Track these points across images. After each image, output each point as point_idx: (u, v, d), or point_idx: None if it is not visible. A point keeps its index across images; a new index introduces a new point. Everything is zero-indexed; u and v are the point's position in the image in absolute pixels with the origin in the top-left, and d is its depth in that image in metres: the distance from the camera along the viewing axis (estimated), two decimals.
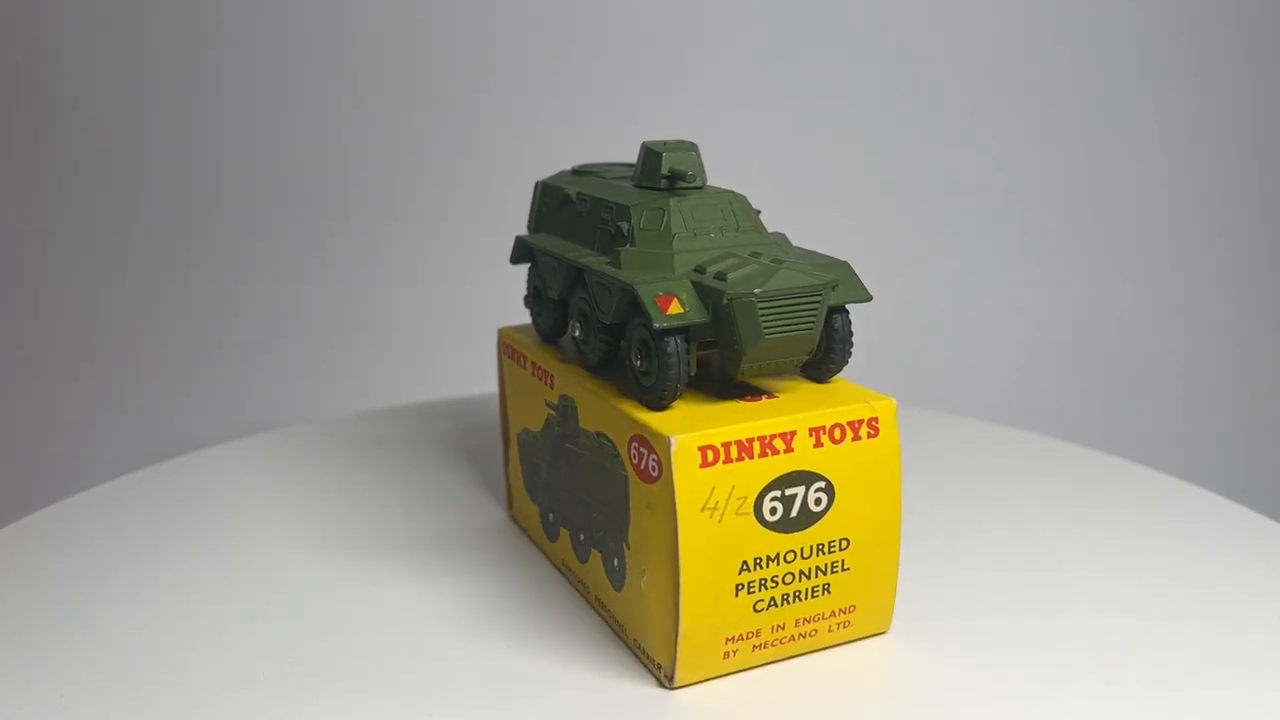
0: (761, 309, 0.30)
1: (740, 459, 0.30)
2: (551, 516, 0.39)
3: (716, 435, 0.30)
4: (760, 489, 0.31)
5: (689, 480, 0.30)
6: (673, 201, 0.34)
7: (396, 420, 0.56)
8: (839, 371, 0.34)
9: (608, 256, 0.34)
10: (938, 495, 0.46)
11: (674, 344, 0.31)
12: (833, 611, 0.33)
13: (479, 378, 0.65)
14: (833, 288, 0.31)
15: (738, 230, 0.34)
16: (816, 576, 0.32)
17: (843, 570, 0.33)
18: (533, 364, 0.39)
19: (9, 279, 0.83)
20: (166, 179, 0.80)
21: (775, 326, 0.30)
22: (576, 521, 0.36)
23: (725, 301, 0.30)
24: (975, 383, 0.83)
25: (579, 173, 0.40)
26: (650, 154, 0.35)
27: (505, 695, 0.31)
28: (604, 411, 0.33)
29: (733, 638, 0.32)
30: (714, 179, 0.39)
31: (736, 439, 0.30)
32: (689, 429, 0.30)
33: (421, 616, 0.36)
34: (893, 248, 0.82)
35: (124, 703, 0.31)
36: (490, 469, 0.49)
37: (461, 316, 0.79)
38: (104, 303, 0.82)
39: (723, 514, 0.30)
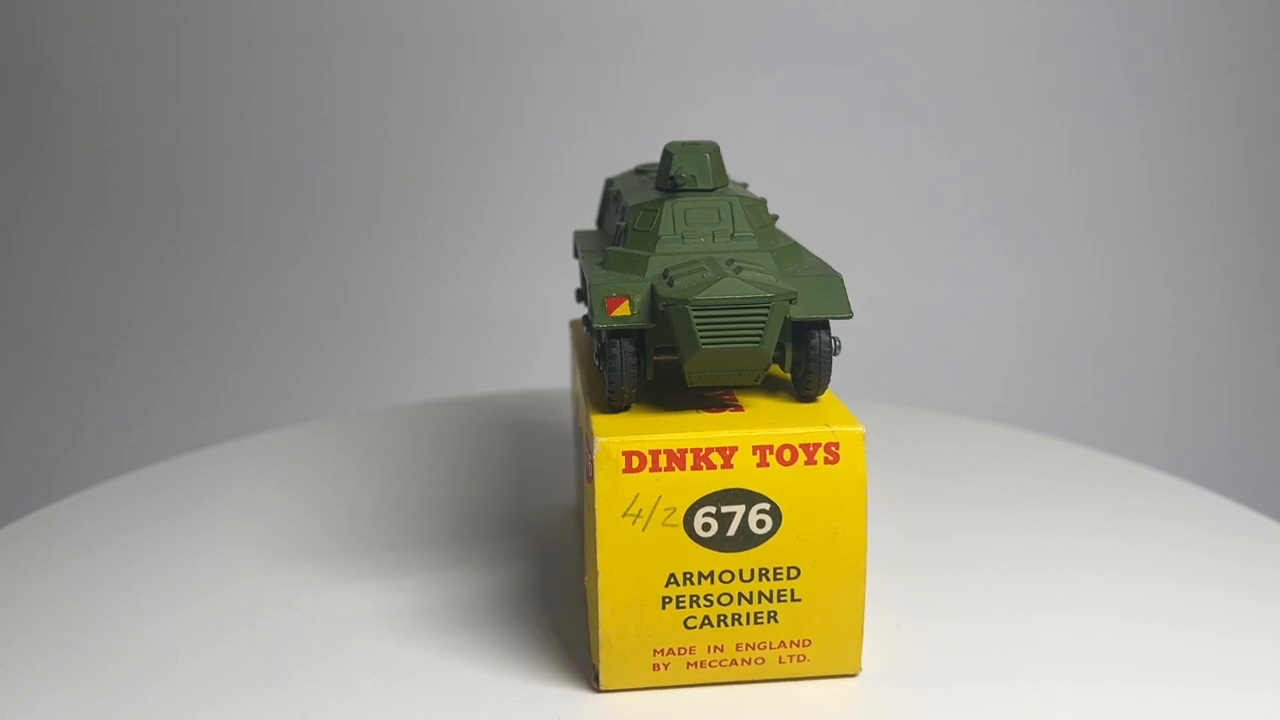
0: (697, 318, 0.29)
1: (670, 469, 0.30)
2: None
3: (645, 442, 0.30)
4: (692, 502, 0.30)
5: (610, 484, 0.30)
6: (666, 204, 0.33)
7: (396, 420, 0.57)
8: (820, 391, 0.32)
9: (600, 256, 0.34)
10: (936, 495, 0.46)
11: (618, 346, 0.31)
12: (782, 642, 0.31)
13: (474, 378, 0.67)
14: (790, 302, 0.30)
15: (731, 236, 0.33)
16: (760, 602, 0.31)
17: (793, 600, 0.31)
18: (578, 357, 0.40)
19: (9, 279, 0.85)
20: (165, 179, 0.82)
21: (713, 337, 0.29)
22: None
23: (662, 308, 0.29)
24: (974, 382, 0.83)
25: (640, 171, 0.40)
26: (665, 154, 0.34)
27: (424, 689, 0.32)
28: (581, 411, 0.34)
29: (661, 650, 0.31)
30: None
31: (667, 448, 0.30)
32: (619, 433, 0.30)
33: (421, 614, 0.36)
34: (892, 247, 0.79)
35: (120, 703, 0.32)
36: (497, 467, 0.49)
37: (455, 316, 0.80)
38: (103, 303, 0.84)
39: (647, 522, 0.30)
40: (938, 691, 0.32)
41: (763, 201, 0.34)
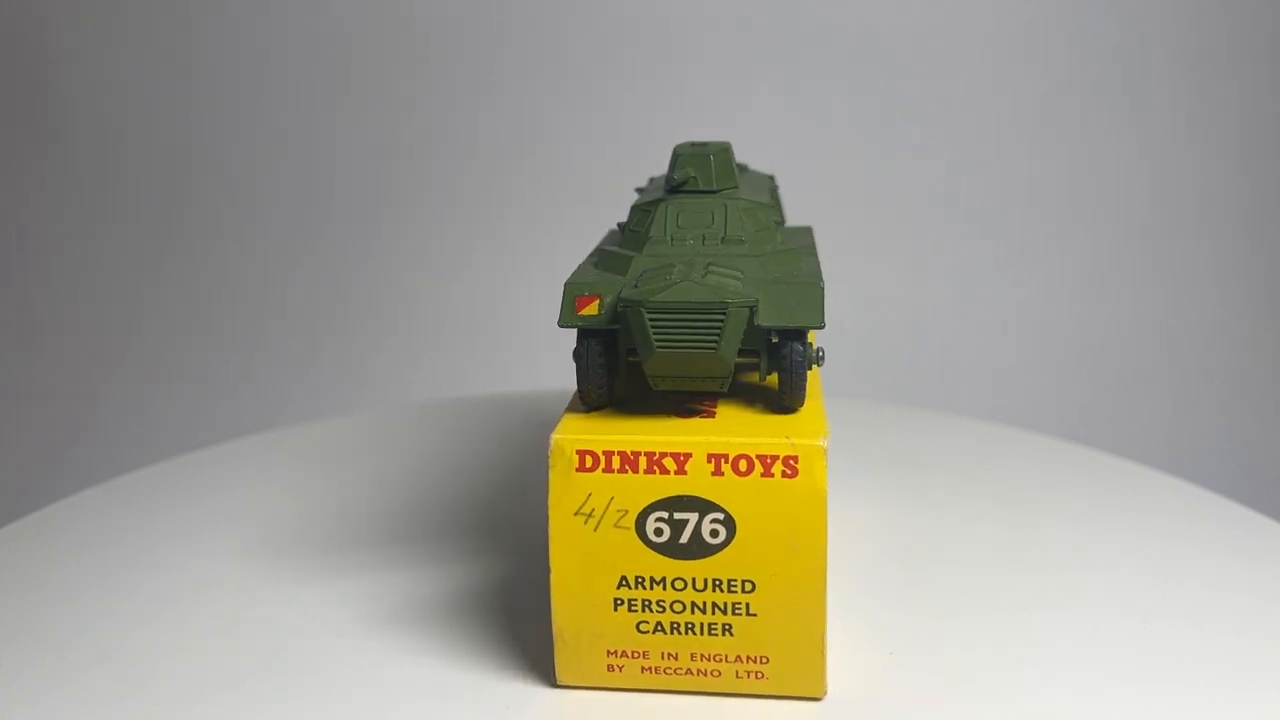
0: (651, 320, 0.29)
1: (623, 470, 0.29)
2: None
3: (599, 442, 0.30)
4: (643, 506, 0.29)
5: (563, 481, 0.30)
6: (660, 205, 0.33)
7: (396, 420, 0.57)
8: (796, 402, 0.31)
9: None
10: (936, 495, 0.46)
11: (583, 345, 0.31)
12: (738, 657, 0.30)
13: (479, 378, 0.66)
14: (750, 308, 0.29)
15: (722, 240, 0.32)
16: (714, 613, 0.30)
17: (748, 614, 0.30)
18: None
19: (9, 279, 0.85)
20: (166, 179, 0.82)
21: (667, 340, 0.29)
22: None
23: (620, 309, 0.29)
24: (974, 382, 0.82)
25: None
26: (672, 155, 0.34)
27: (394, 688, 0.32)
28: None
29: (615, 652, 0.31)
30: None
31: (620, 449, 0.29)
32: (578, 431, 0.30)
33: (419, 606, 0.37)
34: (892, 247, 0.76)
35: (119, 703, 0.32)
36: (498, 468, 0.48)
37: (460, 316, 0.79)
38: (104, 303, 0.84)
39: (599, 523, 0.30)
40: (935, 691, 0.32)
41: (766, 205, 0.33)
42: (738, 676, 0.31)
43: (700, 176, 0.33)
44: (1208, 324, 0.85)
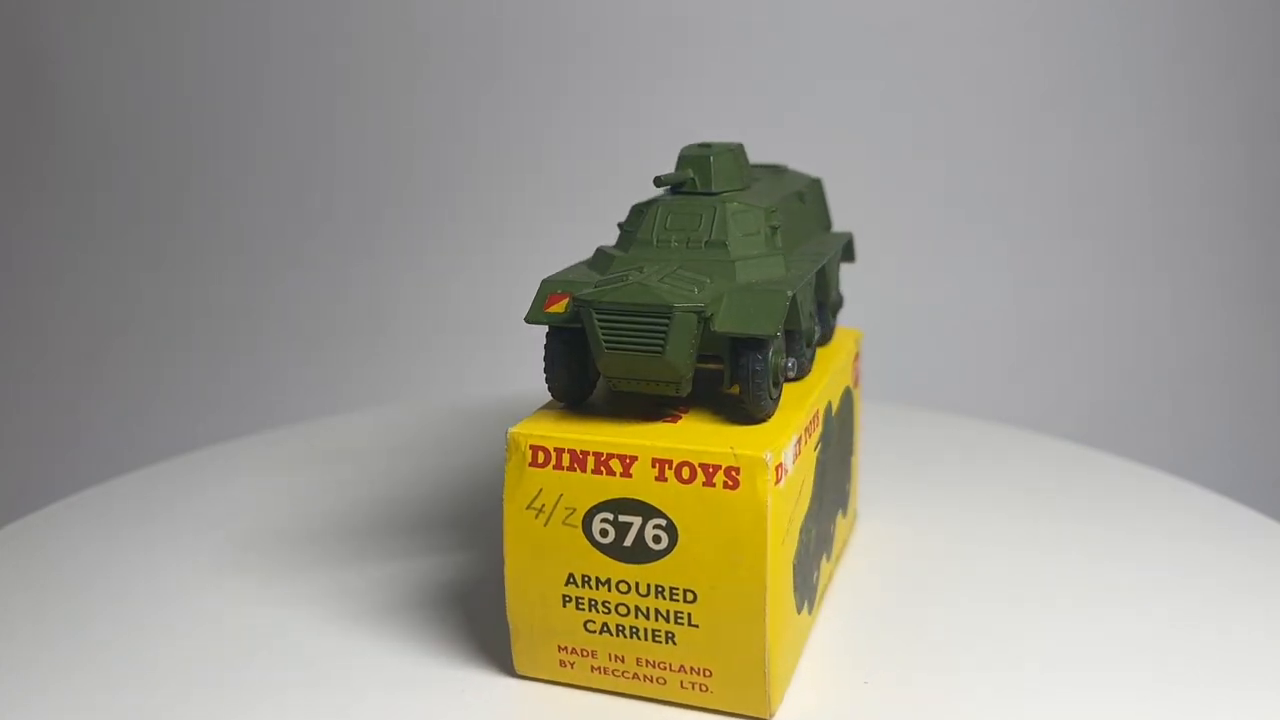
0: (600, 321, 0.29)
1: (571, 469, 0.30)
2: None
3: (551, 439, 0.30)
4: (590, 506, 0.29)
5: (516, 475, 0.30)
6: (653, 207, 0.32)
7: (396, 420, 0.57)
8: (759, 413, 0.29)
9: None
10: (935, 495, 0.46)
11: (551, 340, 0.31)
12: (682, 666, 0.30)
13: (480, 378, 0.64)
14: (698, 314, 0.28)
15: (705, 245, 0.31)
16: (657, 620, 0.30)
17: (690, 625, 0.29)
18: None
19: (8, 279, 0.84)
20: (165, 179, 0.81)
21: (615, 342, 0.29)
22: None
23: (575, 309, 0.29)
24: (974, 382, 0.82)
25: None
26: (678, 156, 0.34)
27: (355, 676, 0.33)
28: None
29: (565, 648, 0.31)
30: None
31: (570, 447, 0.30)
32: (534, 427, 0.30)
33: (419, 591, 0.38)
34: (892, 247, 0.75)
35: (116, 703, 0.32)
36: (495, 467, 0.49)
37: (459, 316, 0.78)
38: (103, 303, 0.83)
39: (549, 518, 0.30)
40: (930, 690, 0.32)
41: (764, 209, 0.32)
42: (682, 687, 0.30)
43: (699, 178, 0.33)
44: (1208, 324, 0.84)
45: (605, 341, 0.29)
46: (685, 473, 0.29)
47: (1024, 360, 0.83)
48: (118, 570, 0.40)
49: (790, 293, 0.29)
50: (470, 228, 0.83)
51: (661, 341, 0.28)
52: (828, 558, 0.36)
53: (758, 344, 0.29)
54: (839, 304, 0.39)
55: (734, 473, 0.28)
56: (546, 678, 0.32)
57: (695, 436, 0.29)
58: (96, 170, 0.82)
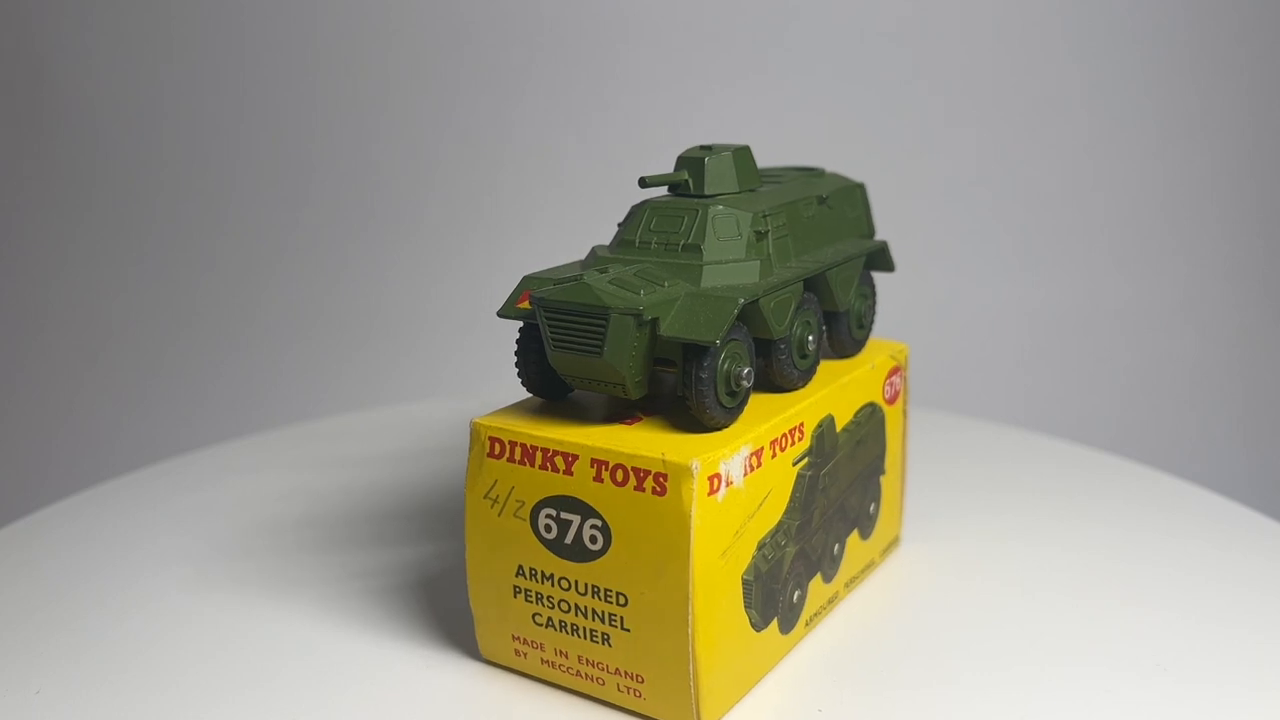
0: (546, 319, 0.29)
1: (522, 462, 0.30)
2: None
3: (507, 432, 0.30)
4: (536, 500, 0.30)
5: (476, 464, 0.31)
6: (642, 208, 0.32)
7: (396, 420, 0.57)
8: (708, 421, 0.29)
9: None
10: (935, 495, 0.46)
11: (523, 335, 0.31)
12: (617, 669, 0.29)
13: (478, 377, 0.64)
14: (637, 318, 0.27)
15: (681, 248, 0.30)
16: (594, 620, 0.29)
17: (622, 629, 0.29)
18: None
19: (10, 278, 0.84)
20: (163, 179, 0.80)
21: (560, 340, 0.29)
22: None
23: (531, 306, 0.29)
24: (974, 382, 0.81)
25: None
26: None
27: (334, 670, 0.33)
28: None
29: (519, 639, 0.31)
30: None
31: (521, 442, 0.30)
32: (496, 419, 0.31)
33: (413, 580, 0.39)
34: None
35: (115, 703, 0.32)
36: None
37: (457, 316, 0.78)
38: (102, 303, 0.82)
39: (502, 509, 0.31)
40: (928, 688, 0.32)
41: (746, 214, 0.31)
42: (619, 690, 0.30)
43: (693, 180, 0.32)
44: (1210, 325, 0.83)
45: (553, 340, 0.29)
46: (619, 475, 0.29)
47: (1023, 360, 0.82)
48: (118, 571, 0.40)
49: (741, 300, 0.28)
50: (470, 228, 0.84)
51: (599, 342, 0.28)
52: (826, 579, 0.35)
53: (700, 351, 0.29)
54: (863, 314, 0.37)
55: (662, 479, 0.28)
56: (505, 664, 0.33)
57: (636, 440, 0.29)
58: (95, 170, 0.81)
